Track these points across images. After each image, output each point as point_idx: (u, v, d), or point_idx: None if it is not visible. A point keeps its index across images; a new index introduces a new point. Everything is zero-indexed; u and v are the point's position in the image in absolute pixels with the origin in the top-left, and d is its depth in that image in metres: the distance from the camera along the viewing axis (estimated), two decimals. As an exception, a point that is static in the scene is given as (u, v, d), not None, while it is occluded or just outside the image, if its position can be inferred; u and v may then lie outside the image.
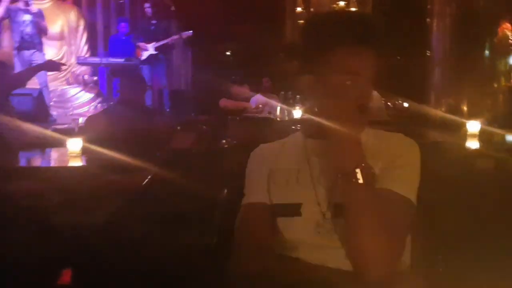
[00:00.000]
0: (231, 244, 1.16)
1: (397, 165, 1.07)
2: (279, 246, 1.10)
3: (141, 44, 6.65)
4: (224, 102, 5.11)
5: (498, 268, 1.50)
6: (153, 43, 6.60)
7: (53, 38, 7.27)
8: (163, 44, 6.57)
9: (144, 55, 6.67)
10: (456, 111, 4.48)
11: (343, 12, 1.51)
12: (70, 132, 3.97)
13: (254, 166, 1.21)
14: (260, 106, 4.97)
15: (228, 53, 7.97)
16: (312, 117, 1.15)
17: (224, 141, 2.82)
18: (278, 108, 4.44)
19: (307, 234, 1.06)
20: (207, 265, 1.46)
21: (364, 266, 0.98)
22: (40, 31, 6.30)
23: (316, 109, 1.12)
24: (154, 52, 6.60)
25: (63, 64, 5.46)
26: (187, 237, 2.05)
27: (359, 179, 0.98)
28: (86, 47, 7.75)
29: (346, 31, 1.07)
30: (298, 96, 4.68)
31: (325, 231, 1.06)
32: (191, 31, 6.64)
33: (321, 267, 1.03)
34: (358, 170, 0.99)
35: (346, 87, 1.06)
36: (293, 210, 1.08)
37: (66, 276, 2.42)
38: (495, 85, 4.73)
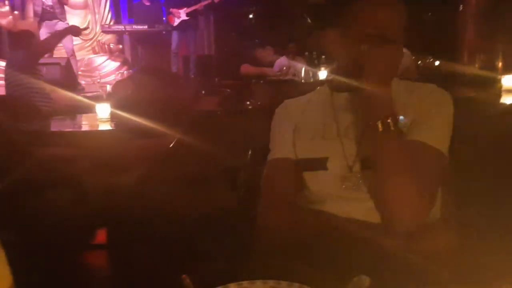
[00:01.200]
0: (257, 198, 1.16)
1: (429, 116, 1.05)
2: (306, 199, 1.11)
3: (174, 11, 6.58)
4: (245, 68, 5.04)
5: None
6: (184, 9, 6.52)
7: (77, 7, 7.30)
8: (193, 10, 6.49)
9: (176, 21, 6.61)
10: (491, 67, 4.31)
11: None
12: (99, 99, 4.04)
13: (280, 121, 1.20)
14: (284, 68, 4.89)
15: (251, 16, 7.81)
16: (338, 71, 1.14)
17: (248, 102, 2.81)
18: (303, 70, 4.35)
19: (334, 187, 1.06)
20: (233, 223, 1.48)
21: (393, 217, 0.98)
22: (60, 0, 6.32)
23: (343, 63, 1.11)
24: (185, 18, 6.53)
25: (86, 28, 5.48)
26: (214, 198, 2.08)
27: (389, 128, 0.97)
28: (110, 15, 7.75)
29: None
30: (323, 57, 4.59)
31: (351, 184, 1.05)
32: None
33: (347, 219, 1.03)
34: (389, 120, 0.97)
35: (373, 40, 1.03)
36: (319, 164, 1.08)
37: (101, 236, 2.52)
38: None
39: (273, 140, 1.19)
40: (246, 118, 2.41)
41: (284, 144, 1.15)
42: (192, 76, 6.15)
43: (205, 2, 6.56)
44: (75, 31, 4.19)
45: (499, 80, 2.85)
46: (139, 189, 2.33)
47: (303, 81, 4.32)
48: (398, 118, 1.00)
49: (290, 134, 1.15)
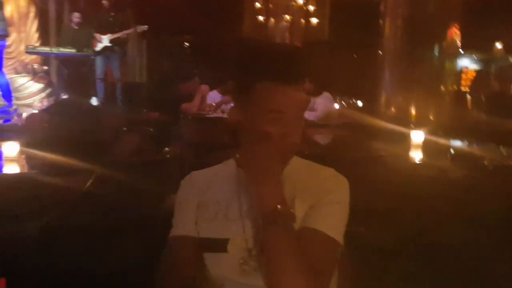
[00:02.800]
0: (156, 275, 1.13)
1: (325, 203, 1.04)
2: (205, 282, 1.07)
3: (97, 35, 6.49)
4: (185, 108, 4.91)
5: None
6: (108, 35, 6.43)
7: (0, 24, 6.88)
8: (117, 37, 6.42)
9: (99, 46, 6.50)
10: (404, 112, 4.57)
11: (272, 45, 1.41)
12: (12, 129, 3.79)
13: (184, 196, 1.15)
14: (214, 104, 4.87)
15: (186, 44, 7.79)
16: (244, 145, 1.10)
17: (167, 149, 2.76)
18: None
19: (233, 271, 1.03)
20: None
21: None
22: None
23: (246, 140, 1.07)
24: (108, 44, 6.44)
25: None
26: (126, 251, 2.00)
27: (277, 220, 0.95)
28: (37, 35, 7.39)
29: (271, 67, 1.02)
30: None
31: (250, 269, 1.02)
32: (146, 26, 6.50)
33: None
34: (278, 211, 0.95)
35: (269, 123, 1.02)
36: (220, 245, 1.05)
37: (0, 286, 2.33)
38: (442, 88, 4.86)
39: (176, 215, 1.14)
40: (161, 170, 2.36)
41: (186, 221, 1.11)
42: (120, 104, 5.98)
43: (128, 31, 6.51)
44: None
45: (409, 135, 3.01)
46: (44, 239, 2.19)
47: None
48: (287, 209, 0.97)
49: (193, 210, 1.12)
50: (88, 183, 2.42)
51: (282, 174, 1.01)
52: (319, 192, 1.05)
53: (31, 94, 6.90)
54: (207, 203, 1.11)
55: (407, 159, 2.78)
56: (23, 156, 2.67)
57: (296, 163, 1.12)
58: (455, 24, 5.03)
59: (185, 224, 1.11)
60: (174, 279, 1.07)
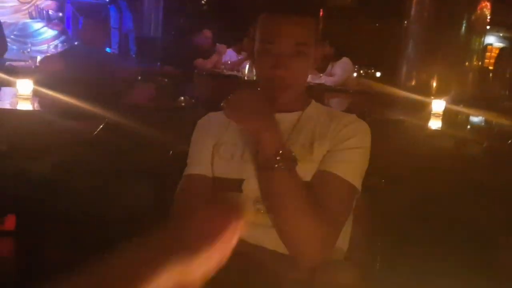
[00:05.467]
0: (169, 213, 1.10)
1: (345, 147, 1.01)
2: None
3: None
4: (199, 64, 4.82)
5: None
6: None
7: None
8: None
9: (113, -6, 6.38)
10: (426, 85, 4.46)
11: None
12: (26, 71, 3.75)
13: (200, 136, 1.14)
14: (229, 62, 4.78)
15: (203, 0, 7.62)
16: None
17: (182, 98, 2.71)
18: (247, 67, 4.28)
19: (247, 211, 1.01)
20: (146, 226, 1.41)
21: (295, 251, 0.95)
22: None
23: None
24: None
25: None
26: (133, 194, 1.99)
27: (275, 165, 0.93)
28: (53, -21, 7.25)
29: None
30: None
31: (263, 208, 1.01)
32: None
33: (256, 246, 0.99)
34: (278, 158, 0.93)
35: (260, 55, 1.04)
36: (235, 185, 1.03)
37: (10, 222, 2.35)
38: (467, 64, 4.72)
39: (192, 154, 1.13)
40: (176, 117, 2.31)
41: (202, 160, 1.10)
42: (133, 55, 5.91)
43: None
44: None
45: (430, 103, 2.94)
46: (52, 178, 2.19)
47: (246, 78, 4.25)
48: (289, 152, 0.95)
49: (209, 150, 1.10)
50: (99, 128, 2.39)
51: (274, 115, 0.98)
52: (339, 137, 1.03)
53: (45, 40, 6.84)
54: (224, 144, 1.09)
55: (426, 124, 2.73)
56: (36, 95, 2.64)
57: (316, 108, 1.11)
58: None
59: (201, 163, 1.09)
60: (187, 216, 1.05)
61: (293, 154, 0.96)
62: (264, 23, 1.04)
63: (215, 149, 1.10)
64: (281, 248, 0.98)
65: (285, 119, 1.06)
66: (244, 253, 0.98)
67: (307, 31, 1.04)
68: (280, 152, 0.93)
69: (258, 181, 1.00)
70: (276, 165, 0.92)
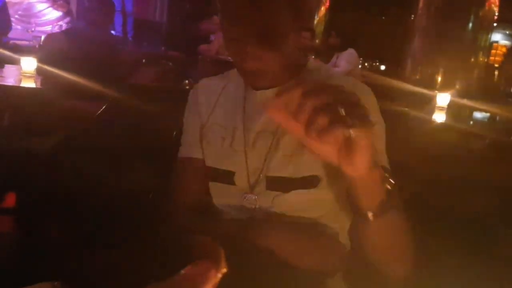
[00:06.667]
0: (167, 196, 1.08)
1: None
2: (208, 209, 1.04)
3: None
4: (203, 49, 4.77)
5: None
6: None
7: None
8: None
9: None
10: (430, 79, 4.45)
11: None
12: (30, 50, 3.73)
13: (190, 113, 1.08)
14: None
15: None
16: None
17: (186, 81, 2.70)
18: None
19: (237, 202, 0.98)
20: (150, 207, 1.40)
21: (390, 270, 0.85)
22: None
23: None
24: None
25: None
26: (134, 176, 1.98)
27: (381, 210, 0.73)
28: (59, -41, 7.17)
29: None
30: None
31: (251, 203, 0.96)
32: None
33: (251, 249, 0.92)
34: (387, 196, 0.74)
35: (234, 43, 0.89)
36: (226, 177, 0.99)
37: (10, 199, 2.35)
38: (472, 60, 4.70)
39: (184, 134, 1.08)
40: (180, 99, 2.29)
41: (191, 142, 1.05)
42: (130, 39, 5.86)
43: None
44: None
45: (435, 97, 2.93)
46: (54, 156, 2.18)
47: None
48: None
49: (197, 131, 1.05)
50: (102, 108, 2.38)
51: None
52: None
53: (49, 21, 6.78)
54: (213, 125, 1.03)
55: (431, 117, 2.72)
56: (39, 73, 2.63)
57: (309, 71, 1.00)
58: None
59: (191, 145, 1.05)
60: (181, 202, 1.03)
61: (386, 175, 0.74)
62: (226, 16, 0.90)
63: (203, 132, 1.04)
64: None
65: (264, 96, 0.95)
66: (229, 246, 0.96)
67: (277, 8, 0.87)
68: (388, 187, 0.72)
69: (360, 232, 0.78)
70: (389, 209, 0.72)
